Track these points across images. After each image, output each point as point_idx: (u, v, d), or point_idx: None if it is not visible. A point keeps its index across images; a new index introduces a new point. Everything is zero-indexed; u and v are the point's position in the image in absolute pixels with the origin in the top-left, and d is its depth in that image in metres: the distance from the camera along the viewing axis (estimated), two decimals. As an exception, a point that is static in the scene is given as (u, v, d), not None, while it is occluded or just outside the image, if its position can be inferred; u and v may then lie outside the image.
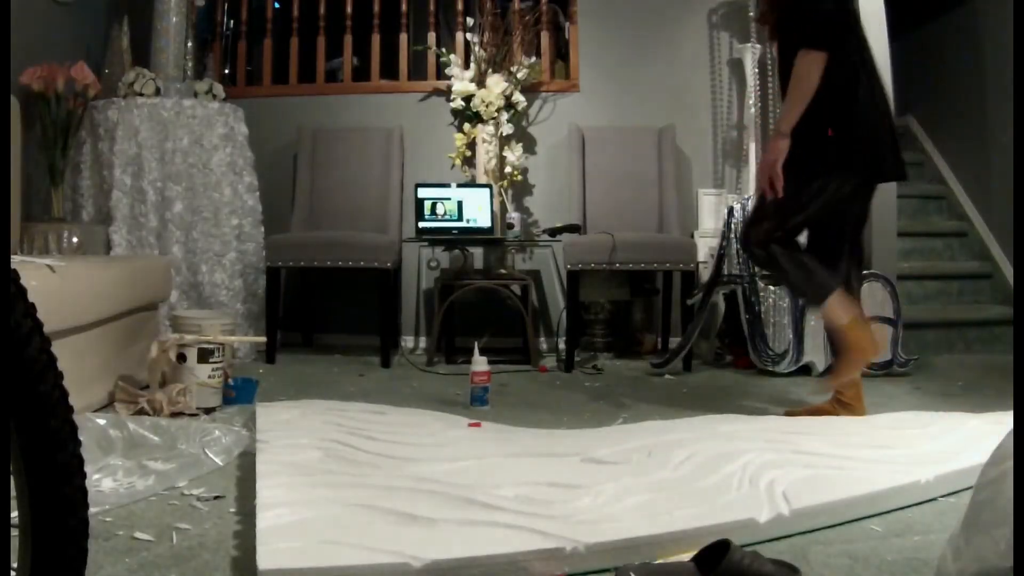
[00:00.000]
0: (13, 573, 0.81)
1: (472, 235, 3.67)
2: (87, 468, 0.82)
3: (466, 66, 4.06)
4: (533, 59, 4.07)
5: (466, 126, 3.98)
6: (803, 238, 2.39)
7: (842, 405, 2.36)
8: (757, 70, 3.98)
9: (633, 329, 3.97)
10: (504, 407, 2.62)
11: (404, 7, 4.24)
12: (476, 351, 2.62)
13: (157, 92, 3.48)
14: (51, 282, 2.16)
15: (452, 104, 4.03)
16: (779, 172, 2.18)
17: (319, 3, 4.24)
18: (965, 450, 1.85)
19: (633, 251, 3.43)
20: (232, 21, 4.33)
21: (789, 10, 2.21)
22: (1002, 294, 4.18)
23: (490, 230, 3.68)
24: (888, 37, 3.65)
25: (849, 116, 2.20)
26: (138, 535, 1.41)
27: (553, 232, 3.66)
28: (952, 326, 3.99)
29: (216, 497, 1.64)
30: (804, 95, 2.12)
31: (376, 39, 4.24)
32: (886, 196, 3.63)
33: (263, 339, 3.24)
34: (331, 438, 1.91)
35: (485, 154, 3.93)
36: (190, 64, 3.84)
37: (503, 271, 3.76)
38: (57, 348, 0.80)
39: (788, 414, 2.44)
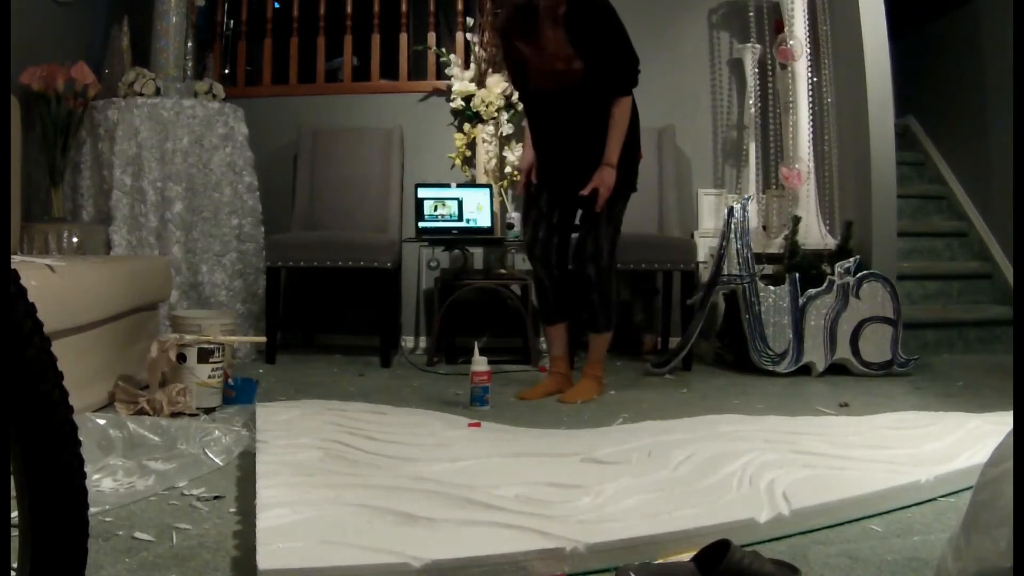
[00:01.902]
0: (13, 573, 0.81)
1: (472, 235, 3.66)
2: (87, 468, 0.82)
3: (466, 66, 4.06)
4: (533, 59, 4.06)
5: (466, 126, 3.97)
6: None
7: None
8: (757, 70, 3.98)
9: (633, 329, 3.97)
10: (504, 407, 2.61)
11: (404, 7, 4.23)
12: (476, 351, 2.62)
13: (157, 92, 3.47)
14: (51, 282, 2.16)
15: (452, 104, 4.03)
16: (610, 191, 2.65)
17: (319, 3, 4.24)
18: (965, 450, 1.85)
19: (633, 251, 3.43)
20: (232, 21, 4.33)
21: (602, 65, 2.60)
22: (1002, 294, 4.18)
23: (490, 230, 3.68)
24: (888, 37, 3.65)
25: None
26: (138, 535, 1.41)
27: (553, 232, 3.66)
28: (952, 326, 3.99)
29: (216, 497, 1.64)
30: (624, 133, 2.66)
31: (376, 39, 4.23)
32: (886, 196, 3.64)
33: (263, 339, 3.23)
34: (331, 438, 1.91)
35: (485, 154, 3.93)
36: (190, 64, 3.84)
37: (503, 271, 3.76)
38: (57, 348, 0.80)
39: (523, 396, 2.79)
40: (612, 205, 2.70)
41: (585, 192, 2.64)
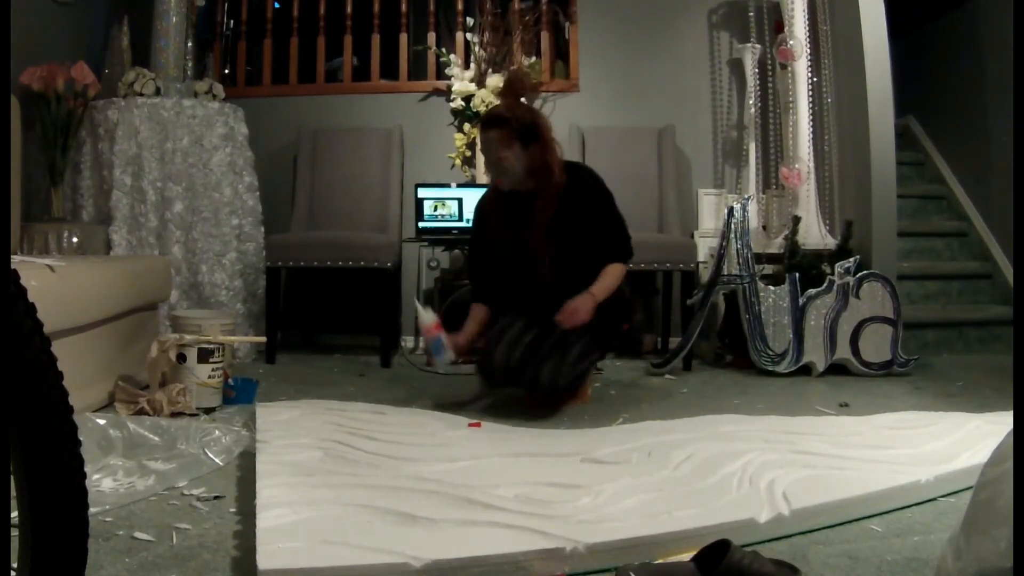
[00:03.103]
0: (13, 573, 0.81)
1: (472, 235, 3.66)
2: (87, 468, 0.82)
3: (466, 66, 4.06)
4: (533, 59, 4.07)
5: (466, 126, 3.97)
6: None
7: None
8: (757, 70, 3.98)
9: (633, 329, 3.97)
10: (504, 407, 2.61)
11: (404, 7, 4.24)
12: (419, 309, 2.61)
13: (157, 92, 3.48)
14: (51, 282, 2.16)
15: (452, 104, 4.03)
16: (585, 319, 2.51)
17: (319, 3, 4.24)
18: (965, 450, 1.85)
19: (633, 251, 3.42)
20: (232, 21, 4.33)
21: (603, 237, 2.66)
22: (1002, 294, 4.18)
23: (490, 230, 3.67)
24: (888, 37, 3.65)
25: None
26: (138, 535, 1.41)
27: (553, 232, 3.66)
28: (952, 326, 3.99)
29: (216, 497, 1.64)
30: (614, 285, 2.63)
31: (376, 39, 4.24)
32: (886, 196, 3.64)
33: (263, 339, 3.23)
34: (331, 438, 1.91)
35: (485, 154, 3.93)
36: (190, 64, 3.84)
37: (503, 271, 3.75)
38: (57, 348, 0.80)
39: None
40: (588, 353, 2.53)
41: (559, 318, 2.45)
